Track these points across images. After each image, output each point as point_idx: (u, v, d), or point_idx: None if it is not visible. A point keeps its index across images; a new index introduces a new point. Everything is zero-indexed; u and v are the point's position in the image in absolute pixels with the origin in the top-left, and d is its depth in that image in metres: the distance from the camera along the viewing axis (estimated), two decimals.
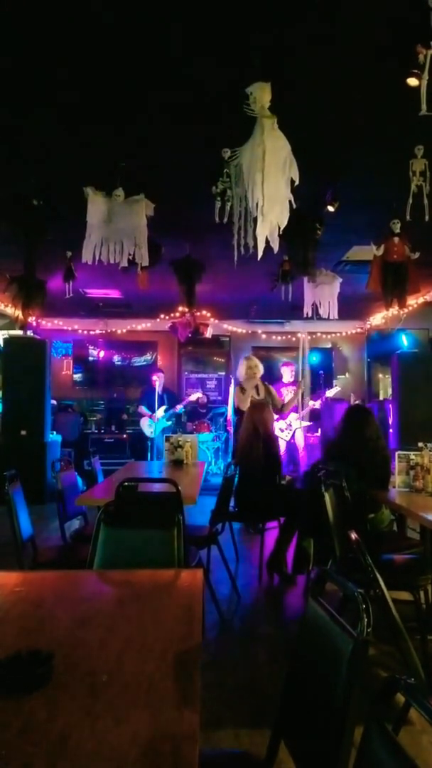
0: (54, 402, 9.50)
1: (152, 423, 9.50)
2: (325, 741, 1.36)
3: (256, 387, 6.61)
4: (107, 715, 1.20)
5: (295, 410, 8.57)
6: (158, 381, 9.59)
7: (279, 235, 3.30)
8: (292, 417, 8.44)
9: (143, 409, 9.64)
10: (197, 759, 1.06)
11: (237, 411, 6.67)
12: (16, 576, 2.29)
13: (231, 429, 6.63)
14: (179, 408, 9.82)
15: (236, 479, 5.42)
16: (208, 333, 10.45)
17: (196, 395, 10.23)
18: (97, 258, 4.36)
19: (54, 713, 1.21)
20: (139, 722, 1.17)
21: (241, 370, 6.71)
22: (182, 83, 3.32)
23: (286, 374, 9.03)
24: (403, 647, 3.07)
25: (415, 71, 2.81)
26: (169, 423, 9.67)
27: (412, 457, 4.06)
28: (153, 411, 9.47)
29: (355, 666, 1.35)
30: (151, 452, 9.53)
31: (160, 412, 9.48)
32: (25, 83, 3.32)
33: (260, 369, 6.65)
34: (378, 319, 10.53)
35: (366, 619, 1.35)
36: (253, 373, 6.62)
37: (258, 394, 6.56)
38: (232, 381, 6.92)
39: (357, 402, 9.96)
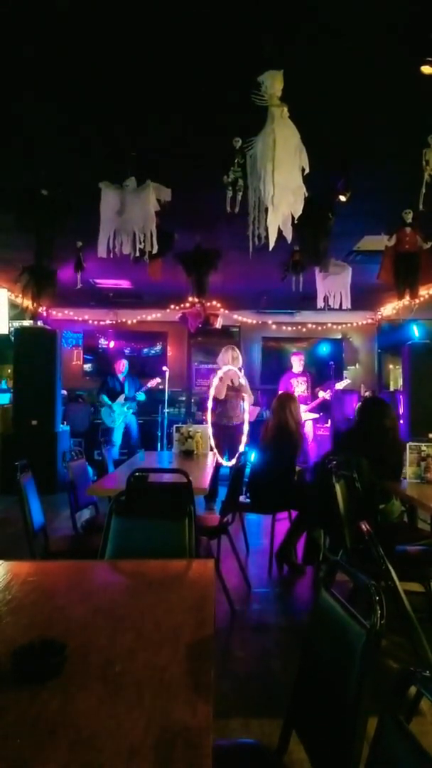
0: (64, 392, 9.50)
1: (111, 412, 9.37)
2: (338, 732, 1.36)
3: (232, 379, 6.90)
4: (120, 705, 1.21)
5: (304, 402, 8.56)
6: (123, 366, 9.54)
7: (292, 225, 3.27)
8: (302, 409, 8.43)
9: (103, 398, 9.47)
10: (210, 749, 1.06)
11: (214, 400, 6.92)
12: (29, 565, 2.31)
13: (207, 417, 6.88)
14: (138, 394, 9.50)
15: (247, 469, 5.40)
16: (218, 323, 10.40)
17: (155, 381, 9.68)
18: (111, 251, 4.35)
19: (67, 703, 1.21)
20: (152, 713, 1.18)
21: (226, 359, 6.94)
22: (191, 72, 3.29)
23: (296, 364, 9.01)
24: (415, 638, 3.08)
25: (430, 59, 2.79)
26: (129, 411, 9.46)
27: (424, 448, 4.05)
28: (114, 399, 9.37)
29: (367, 657, 1.35)
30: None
31: (120, 399, 9.38)
32: (33, 75, 3.31)
33: (240, 361, 7.00)
34: (389, 309, 10.45)
35: (379, 611, 1.35)
36: (234, 363, 6.92)
37: (233, 384, 6.89)
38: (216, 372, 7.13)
39: (367, 393, 9.97)
